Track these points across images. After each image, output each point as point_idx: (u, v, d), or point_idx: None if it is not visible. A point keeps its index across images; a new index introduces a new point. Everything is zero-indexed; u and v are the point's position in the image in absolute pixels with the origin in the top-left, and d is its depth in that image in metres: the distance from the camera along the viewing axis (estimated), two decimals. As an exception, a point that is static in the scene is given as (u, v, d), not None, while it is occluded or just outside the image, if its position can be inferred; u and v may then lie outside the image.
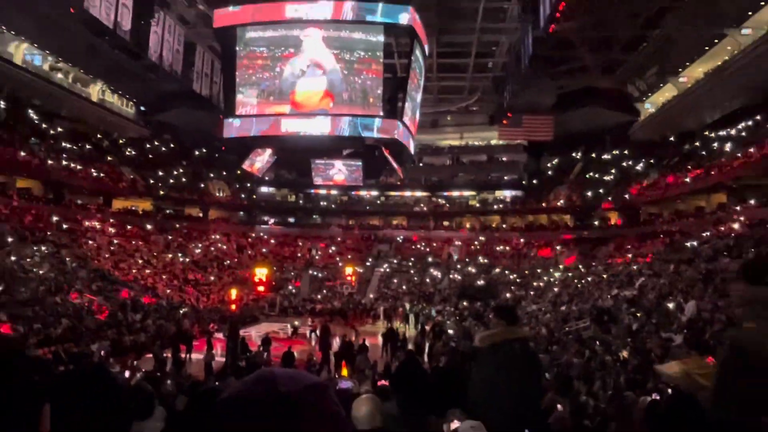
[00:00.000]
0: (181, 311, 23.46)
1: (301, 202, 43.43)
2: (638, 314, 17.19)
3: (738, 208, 25.49)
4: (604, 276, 25.80)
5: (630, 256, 28.26)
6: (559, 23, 18.05)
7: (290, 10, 12.73)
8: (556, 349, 17.16)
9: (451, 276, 34.87)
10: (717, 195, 28.64)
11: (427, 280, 35.25)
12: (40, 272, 21.27)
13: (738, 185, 26.11)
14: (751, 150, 25.18)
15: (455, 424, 2.93)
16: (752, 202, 25.22)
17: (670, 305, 16.61)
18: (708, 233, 24.48)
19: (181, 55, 20.62)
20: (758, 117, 26.70)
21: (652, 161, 34.76)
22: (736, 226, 23.63)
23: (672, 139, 33.73)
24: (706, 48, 25.67)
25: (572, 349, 15.85)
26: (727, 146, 27.99)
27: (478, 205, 42.62)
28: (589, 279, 26.66)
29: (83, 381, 1.23)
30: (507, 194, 42.40)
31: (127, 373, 11.12)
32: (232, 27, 13.19)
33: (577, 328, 18.58)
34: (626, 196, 34.56)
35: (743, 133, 27.52)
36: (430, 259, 38.32)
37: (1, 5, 22.63)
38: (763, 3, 21.31)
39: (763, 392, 2.12)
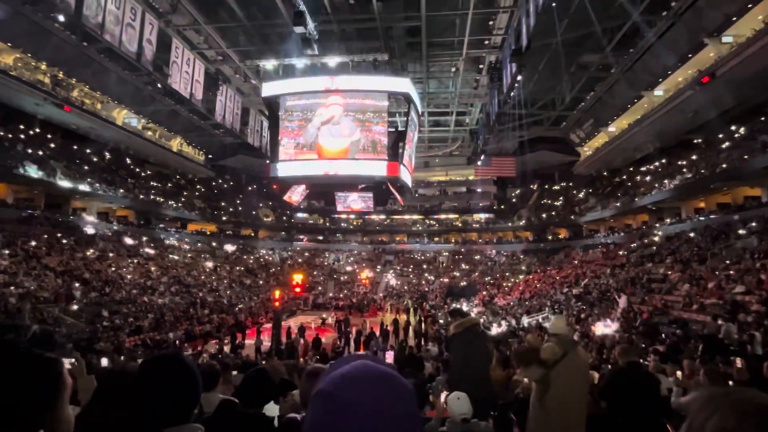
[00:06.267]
0: (238, 307, 23.35)
1: (327, 224, 43.47)
2: (584, 306, 16.93)
3: (657, 225, 25.27)
4: (557, 277, 25.49)
5: (576, 262, 27.98)
6: (517, 90, 18.23)
7: (318, 82, 12.98)
8: (522, 334, 16.84)
9: (440, 279, 34.61)
10: (641, 215, 28.41)
11: (423, 282, 34.97)
12: (133, 279, 21.35)
13: (656, 207, 25.93)
14: (665, 181, 25.10)
15: (444, 394, 2.89)
16: (667, 220, 25.01)
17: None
18: (635, 244, 24.24)
19: (239, 117, 20.85)
20: (669, 156, 26.68)
21: (590, 191, 34.62)
22: (656, 239, 23.39)
23: (605, 173, 33.66)
24: (629, 105, 25.79)
25: (534, 334, 15.49)
26: (647, 178, 27.89)
27: (459, 224, 42.46)
28: (546, 280, 26.35)
29: (164, 362, 1.23)
30: (481, 216, 42.25)
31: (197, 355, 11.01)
32: (276, 96, 13.43)
33: (537, 317, 18.29)
34: (572, 216, 34.37)
35: (659, 169, 27.45)
36: (424, 266, 38.10)
37: (107, 83, 23.20)
38: (670, 72, 21.49)
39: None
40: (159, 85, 20.05)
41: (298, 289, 25.05)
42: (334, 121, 12.85)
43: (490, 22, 17.60)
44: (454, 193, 43.70)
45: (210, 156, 38.13)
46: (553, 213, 36.59)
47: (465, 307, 23.70)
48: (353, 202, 16.11)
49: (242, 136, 22.88)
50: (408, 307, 26.29)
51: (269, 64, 16.13)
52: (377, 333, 15.68)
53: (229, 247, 36.28)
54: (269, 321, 19.62)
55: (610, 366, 7.07)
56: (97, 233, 24.86)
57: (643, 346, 11.03)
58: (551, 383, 2.80)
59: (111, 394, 1.58)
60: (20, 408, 0.57)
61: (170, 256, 28.20)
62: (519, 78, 14.61)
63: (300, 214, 42.60)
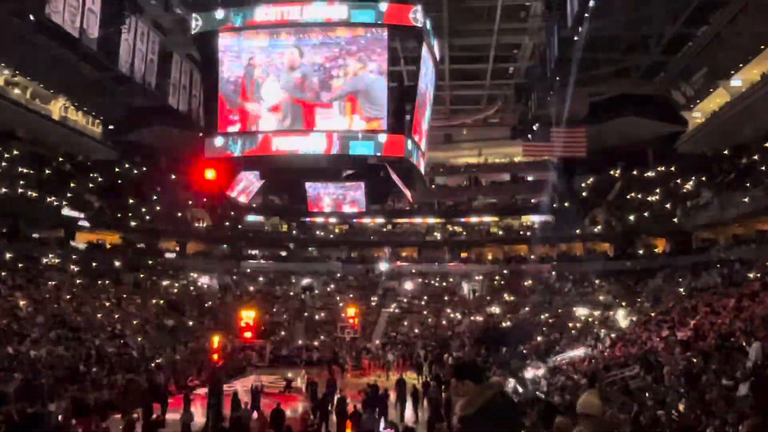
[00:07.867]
0: (154, 363, 23.25)
1: (294, 232, 43.42)
2: (694, 359, 16.90)
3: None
4: (652, 314, 25.49)
5: (682, 290, 27.95)
6: (589, 22, 18.26)
7: (279, 12, 12.93)
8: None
9: (470, 317, 34.61)
10: (782, 216, 28.41)
11: (443, 322, 34.95)
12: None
13: (807, 205, 25.95)
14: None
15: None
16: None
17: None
18: (773, 261, 24.22)
19: (156, 66, 20.91)
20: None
21: (703, 178, 34.59)
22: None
23: (726, 152, 33.64)
24: (762, 47, 25.79)
25: (617, 402, 15.53)
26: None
27: (501, 232, 42.46)
28: (635, 318, 26.31)
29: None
30: (534, 220, 42.24)
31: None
32: (214, 32, 13.39)
33: (622, 376, 18.28)
34: (675, 219, 34.34)
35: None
36: (446, 298, 38.09)
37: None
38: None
39: None
40: (32, 18, 20.05)
41: (248, 334, 25.18)
42: (303, 72, 12.82)
43: None
44: (492, 183, 43.76)
45: (111, 127, 38.09)
46: (646, 214, 36.61)
47: (506, 366, 23.67)
48: (334, 198, 16.09)
49: (161, 95, 22.88)
50: (420, 361, 26.25)
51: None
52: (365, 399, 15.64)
53: (142, 270, 36.17)
54: (204, 384, 19.54)
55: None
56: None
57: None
58: None
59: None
60: None
61: (49, 282, 28.10)
62: (591, 3, 14.62)
63: (252, 218, 42.60)
